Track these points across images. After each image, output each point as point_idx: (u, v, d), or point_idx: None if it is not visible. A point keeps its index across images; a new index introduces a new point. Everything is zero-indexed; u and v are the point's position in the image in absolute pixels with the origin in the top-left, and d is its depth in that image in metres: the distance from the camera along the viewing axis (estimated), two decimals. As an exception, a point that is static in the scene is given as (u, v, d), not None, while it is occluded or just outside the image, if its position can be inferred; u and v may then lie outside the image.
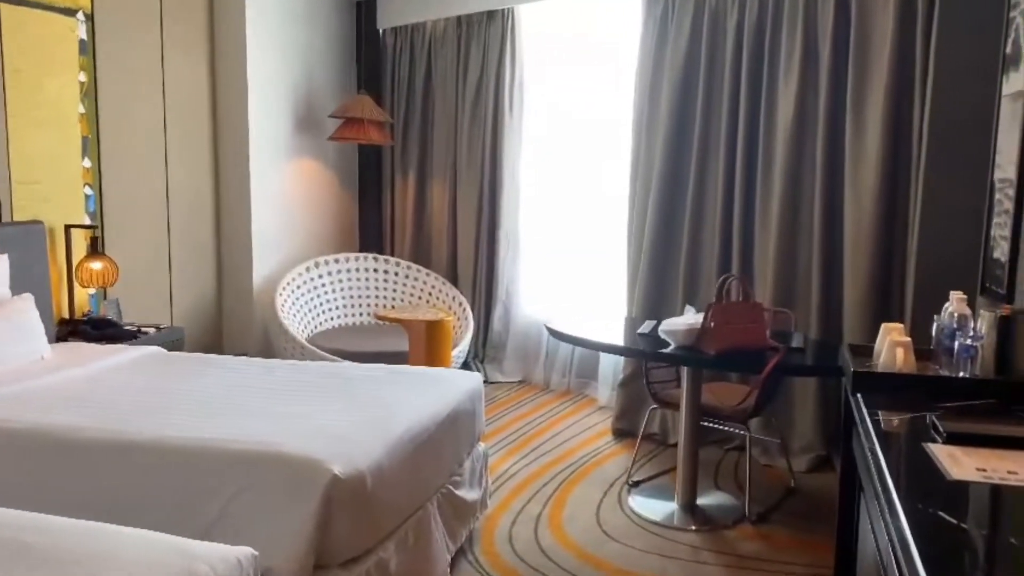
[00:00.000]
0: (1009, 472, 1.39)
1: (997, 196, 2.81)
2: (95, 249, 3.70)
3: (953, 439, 1.54)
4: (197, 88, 4.52)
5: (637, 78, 4.18)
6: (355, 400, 2.57)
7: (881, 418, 1.71)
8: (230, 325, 4.78)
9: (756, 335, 2.94)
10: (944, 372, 1.99)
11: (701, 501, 3.26)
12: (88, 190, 3.83)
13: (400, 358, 4.10)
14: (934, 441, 1.55)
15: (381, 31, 5.37)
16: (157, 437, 2.19)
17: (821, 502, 3.34)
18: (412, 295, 5.12)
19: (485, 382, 4.93)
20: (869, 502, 1.67)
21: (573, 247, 4.93)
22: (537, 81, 4.95)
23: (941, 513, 1.22)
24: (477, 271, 5.12)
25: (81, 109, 3.77)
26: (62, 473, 2.18)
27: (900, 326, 2.08)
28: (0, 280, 3.13)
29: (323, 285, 4.91)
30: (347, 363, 3.46)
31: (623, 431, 4.13)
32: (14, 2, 3.39)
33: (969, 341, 1.90)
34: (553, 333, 3.40)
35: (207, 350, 4.53)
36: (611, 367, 4.55)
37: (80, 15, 3.73)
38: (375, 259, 5.16)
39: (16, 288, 3.22)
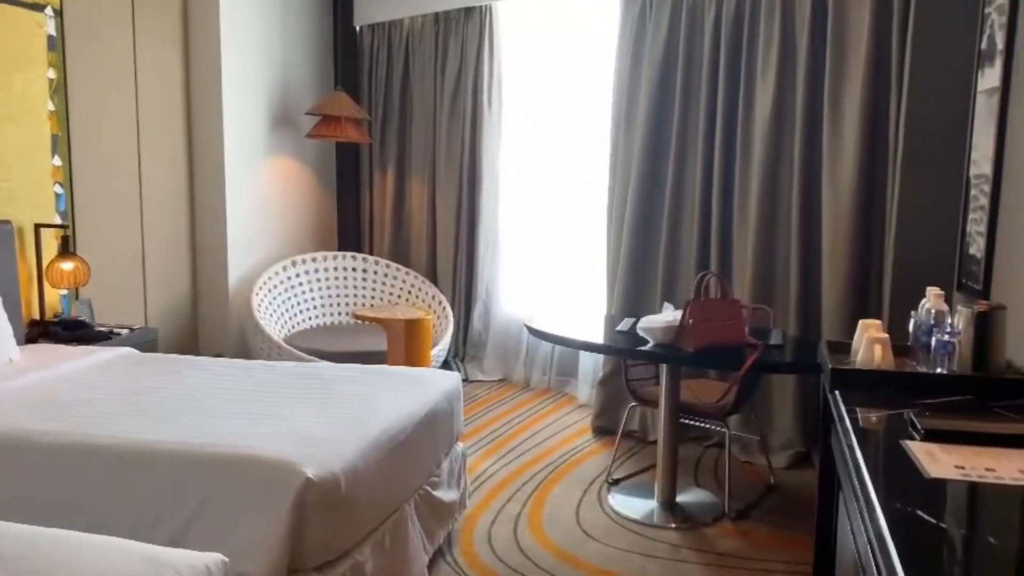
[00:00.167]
0: (987, 469, 1.38)
1: (973, 192, 2.82)
2: (66, 249, 3.63)
3: (931, 436, 1.53)
4: (171, 85, 4.45)
5: (615, 75, 4.17)
6: (330, 401, 2.53)
7: (859, 415, 1.70)
8: (206, 325, 4.71)
9: (734, 332, 2.93)
10: (922, 368, 1.98)
11: (681, 499, 3.26)
12: (58, 189, 3.76)
13: (379, 358, 4.06)
14: (912, 438, 1.54)
15: (358, 28, 5.32)
16: (126, 440, 2.14)
17: (801, 499, 3.34)
18: (391, 294, 5.07)
19: (465, 381, 4.92)
20: (848, 500, 1.66)
21: (553, 245, 4.91)
22: (516, 78, 4.92)
23: (919, 512, 1.21)
24: (457, 269, 5.09)
25: (51, 106, 3.70)
26: (26, 479, 2.13)
27: (878, 322, 2.08)
28: (-34, 281, 3.06)
29: (300, 284, 4.85)
30: (324, 363, 3.42)
31: (603, 429, 4.11)
32: (-21, -3, 3.31)
33: (946, 337, 1.90)
34: (533, 332, 3.38)
35: (182, 351, 4.46)
36: (591, 365, 4.54)
37: (48, 10, 3.66)
38: (353, 258, 5.11)
39: (-17, 289, 3.15)
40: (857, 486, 1.42)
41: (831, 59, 3.53)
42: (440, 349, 4.46)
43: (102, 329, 3.66)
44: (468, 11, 4.86)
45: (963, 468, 1.38)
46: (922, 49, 3.06)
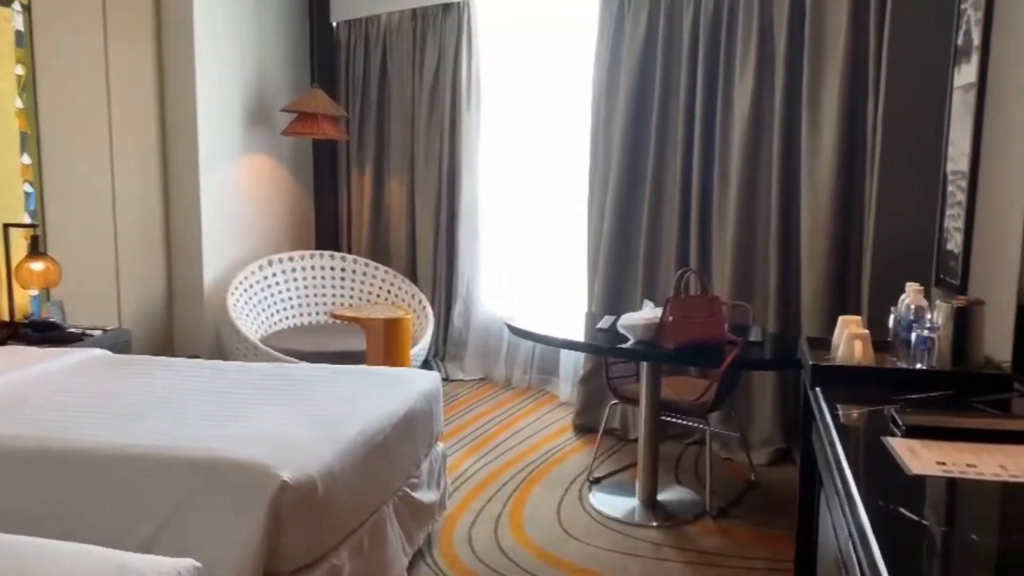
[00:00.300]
0: (968, 465, 1.37)
1: (950, 188, 2.83)
2: (36, 249, 3.55)
3: (912, 432, 1.52)
4: (143, 81, 4.38)
5: (594, 72, 4.15)
6: (307, 402, 2.49)
7: (840, 412, 1.69)
8: (181, 326, 4.65)
9: (714, 329, 2.92)
10: (902, 364, 1.98)
11: (662, 497, 3.25)
12: (28, 188, 3.68)
13: (357, 358, 4.02)
14: (893, 435, 1.53)
15: (335, 24, 5.27)
16: (97, 444, 2.09)
17: (781, 495, 3.34)
18: (370, 293, 5.03)
19: (445, 380, 4.89)
20: (829, 497, 1.65)
21: (534, 243, 4.89)
22: (495, 74, 4.89)
23: (902, 509, 1.19)
24: (437, 268, 5.05)
25: (19, 103, 3.62)
26: (-5, 484, 2.07)
27: (858, 318, 2.07)
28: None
29: (277, 284, 4.80)
30: (301, 364, 3.38)
31: (584, 427, 4.10)
32: (-56, -9, 3.24)
33: (926, 332, 1.89)
34: (514, 331, 3.36)
35: (157, 352, 4.39)
36: (572, 363, 4.52)
37: (16, 5, 3.58)
38: (331, 256, 5.06)
39: (-51, 290, 3.08)
40: (839, 483, 1.41)
41: (809, 57, 3.53)
42: (420, 348, 4.42)
43: (74, 330, 3.59)
44: (446, 7, 4.83)
45: (944, 464, 1.38)
46: (899, 46, 3.07)
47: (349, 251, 5.36)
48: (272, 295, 4.75)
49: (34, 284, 3.50)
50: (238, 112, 4.78)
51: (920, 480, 1.32)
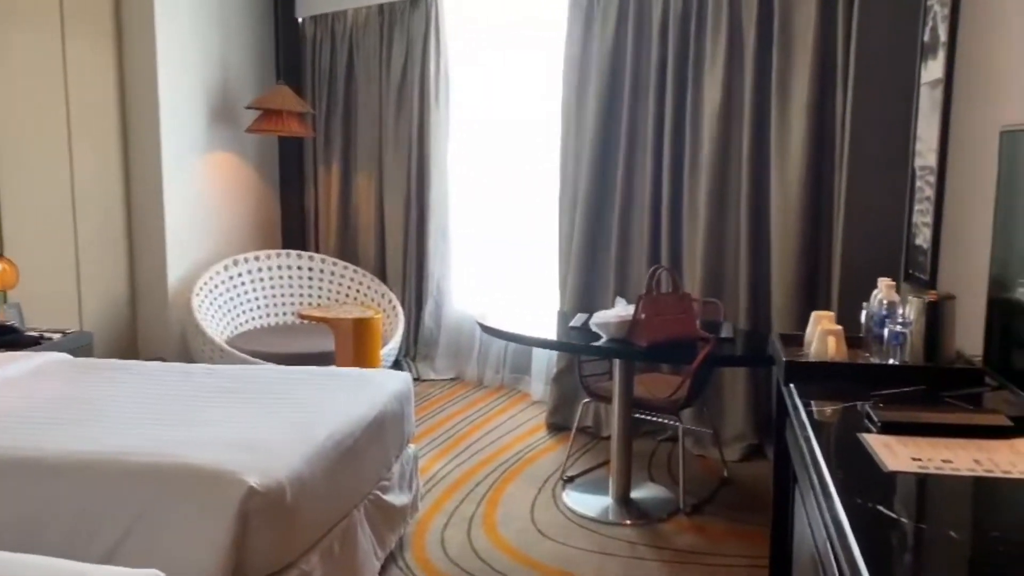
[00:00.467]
0: (943, 461, 1.37)
1: (918, 183, 2.85)
2: (-9, 250, 3.45)
3: (887, 428, 1.52)
4: (103, 78, 4.27)
5: (564, 69, 4.13)
6: (275, 405, 2.44)
7: (815, 408, 1.69)
8: (145, 328, 4.54)
9: (686, 326, 2.92)
10: (875, 360, 1.98)
11: (635, 494, 3.24)
12: (-18, 187, 3.58)
13: (326, 359, 3.96)
14: (869, 431, 1.53)
15: (300, 20, 5.19)
16: (55, 452, 2.02)
17: (754, 491, 3.35)
18: (338, 293, 4.97)
19: (417, 380, 4.84)
20: (805, 495, 1.64)
21: (505, 240, 4.85)
22: (464, 71, 4.85)
23: (880, 507, 1.18)
24: (407, 266, 5.00)
25: (-28, 100, 3.51)
26: (-52, 496, 1.99)
27: (831, 314, 2.07)
28: None
29: (243, 284, 4.71)
30: (268, 366, 3.32)
31: (557, 425, 4.08)
32: None
33: (899, 327, 1.89)
34: (486, 329, 3.32)
35: (120, 355, 4.30)
36: (544, 361, 4.50)
37: (-32, -1, 3.47)
38: (298, 256, 4.98)
39: (-100, 294, 2.97)
40: (816, 481, 1.40)
41: (778, 53, 3.54)
42: (390, 349, 4.37)
43: (32, 334, 3.49)
44: (413, 2, 4.77)
45: (920, 460, 1.37)
46: (866, 42, 3.08)
47: (316, 250, 5.28)
48: (238, 295, 4.67)
49: (-10, 287, 3.40)
50: (202, 109, 4.68)
51: (897, 477, 1.31)
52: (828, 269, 3.53)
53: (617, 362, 3.12)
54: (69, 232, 4.07)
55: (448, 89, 4.84)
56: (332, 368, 3.00)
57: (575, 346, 3.12)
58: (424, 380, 4.92)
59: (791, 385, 1.87)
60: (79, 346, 3.55)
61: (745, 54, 3.64)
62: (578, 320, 3.27)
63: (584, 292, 4.11)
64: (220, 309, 4.49)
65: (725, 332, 3.10)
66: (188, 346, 4.42)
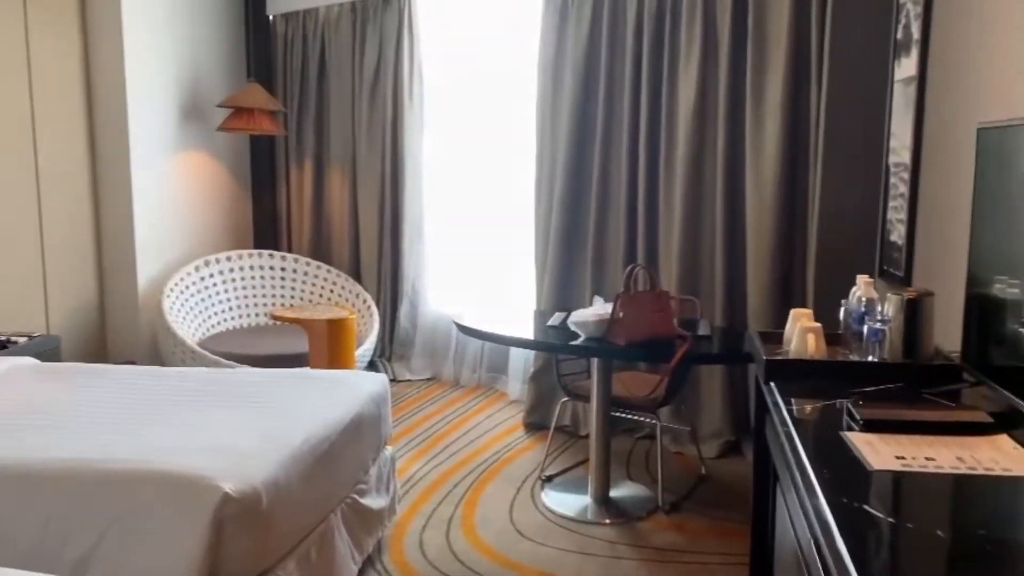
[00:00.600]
0: (927, 458, 1.37)
1: (892, 180, 2.86)
2: (-47, 253, 3.36)
3: (869, 426, 1.51)
4: (69, 75, 4.17)
5: (539, 68, 4.11)
6: (249, 409, 2.39)
7: (795, 406, 1.68)
8: (115, 331, 4.46)
9: (664, 324, 2.91)
10: (854, 357, 1.98)
11: (614, 493, 3.23)
12: (-57, 188, 3.48)
13: (300, 360, 3.91)
14: (851, 429, 1.52)
15: (271, 17, 5.12)
16: (22, 459, 1.96)
17: (732, 488, 3.36)
18: (312, 293, 4.91)
19: (393, 381, 4.80)
20: (787, 493, 1.63)
21: (480, 239, 4.82)
22: (438, 69, 4.81)
23: (866, 506, 1.18)
24: (381, 266, 4.95)
25: (-69, 98, 3.42)
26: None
27: (809, 312, 2.07)
28: None
29: (214, 285, 4.64)
30: (241, 368, 3.26)
31: (535, 425, 4.06)
32: None
33: (878, 325, 1.90)
34: (463, 329, 3.29)
35: (89, 359, 4.21)
36: (521, 360, 4.48)
37: (-74, -6, 3.37)
38: (271, 256, 4.92)
39: None
40: (800, 480, 1.39)
41: (752, 51, 3.55)
42: (365, 350, 4.33)
43: (-4, 338, 3.41)
44: (386, 0, 4.72)
45: (903, 458, 1.37)
46: (840, 40, 3.10)
47: (289, 250, 5.22)
48: (209, 297, 4.59)
49: (-48, 290, 3.30)
50: (172, 108, 4.60)
51: (882, 476, 1.31)
52: (803, 266, 3.55)
53: (595, 361, 3.11)
54: (34, 232, 3.97)
55: (422, 87, 4.79)
56: (307, 370, 2.96)
57: (553, 345, 3.11)
58: (400, 381, 4.88)
59: (771, 383, 1.87)
60: (46, 350, 3.47)
61: (720, 52, 3.65)
62: (556, 319, 3.25)
63: (561, 291, 4.10)
64: (191, 311, 4.42)
65: (702, 330, 3.10)
66: (159, 349, 4.34)
